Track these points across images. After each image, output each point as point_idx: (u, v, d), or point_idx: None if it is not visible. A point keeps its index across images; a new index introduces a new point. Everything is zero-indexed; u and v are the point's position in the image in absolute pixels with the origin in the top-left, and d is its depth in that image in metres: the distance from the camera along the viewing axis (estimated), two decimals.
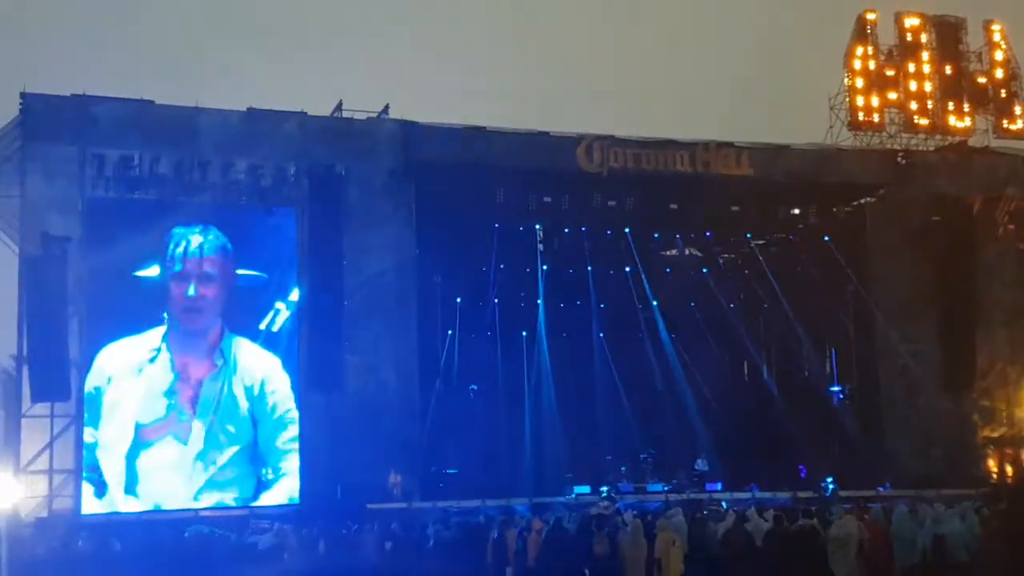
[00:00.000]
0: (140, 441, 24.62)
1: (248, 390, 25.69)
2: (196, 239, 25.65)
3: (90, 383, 24.54)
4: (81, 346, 24.49)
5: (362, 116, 27.94)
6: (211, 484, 24.98)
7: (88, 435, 24.31)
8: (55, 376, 23.63)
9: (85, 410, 24.34)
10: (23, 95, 24.99)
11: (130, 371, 24.91)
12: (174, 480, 24.73)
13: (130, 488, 24.42)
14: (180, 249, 25.52)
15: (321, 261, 26.00)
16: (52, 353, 23.67)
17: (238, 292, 25.98)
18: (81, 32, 49.65)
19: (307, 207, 26.29)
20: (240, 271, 25.99)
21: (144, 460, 24.59)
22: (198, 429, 25.07)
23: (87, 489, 24.15)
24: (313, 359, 25.75)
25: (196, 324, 25.65)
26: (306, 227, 26.26)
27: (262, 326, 26.14)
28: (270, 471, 25.57)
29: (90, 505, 24.08)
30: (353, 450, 25.63)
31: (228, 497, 25.05)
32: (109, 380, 24.70)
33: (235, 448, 25.33)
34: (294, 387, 26.02)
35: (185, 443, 24.90)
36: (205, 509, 24.14)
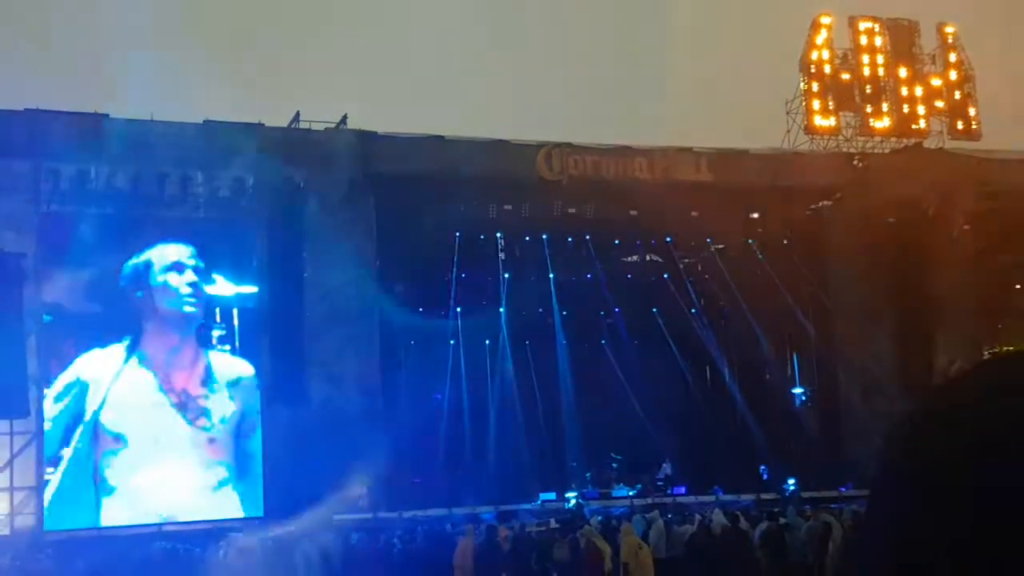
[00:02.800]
0: (135, 451, 24.60)
1: (231, 397, 25.78)
2: (184, 250, 25.66)
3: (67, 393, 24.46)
4: (40, 363, 24.25)
5: (320, 127, 27.88)
6: (219, 487, 25.25)
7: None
8: (14, 393, 23.41)
9: (66, 421, 24.26)
10: None
11: (109, 379, 24.81)
12: (180, 489, 24.79)
13: (130, 498, 24.39)
14: (169, 260, 25.52)
15: (282, 274, 25.91)
16: (10, 370, 23.43)
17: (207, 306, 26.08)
18: (34, 46, 49.20)
19: (266, 219, 26.18)
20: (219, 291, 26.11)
21: (145, 473, 24.55)
22: (195, 437, 25.15)
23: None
24: (275, 373, 25.66)
25: (182, 331, 25.63)
26: (266, 240, 26.15)
27: (215, 333, 26.11)
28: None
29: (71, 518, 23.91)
30: (317, 462, 25.51)
31: (233, 502, 25.22)
32: (87, 386, 24.59)
33: (227, 453, 25.46)
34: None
35: (183, 452, 24.97)
36: (169, 524, 23.95)
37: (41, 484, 23.98)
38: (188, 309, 25.49)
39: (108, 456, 24.48)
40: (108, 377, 24.80)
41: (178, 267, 25.51)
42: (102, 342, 25.08)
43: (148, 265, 25.41)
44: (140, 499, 24.33)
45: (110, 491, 24.38)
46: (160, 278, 25.38)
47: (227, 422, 25.58)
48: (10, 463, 23.86)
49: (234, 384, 25.85)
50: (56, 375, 24.67)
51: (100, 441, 24.50)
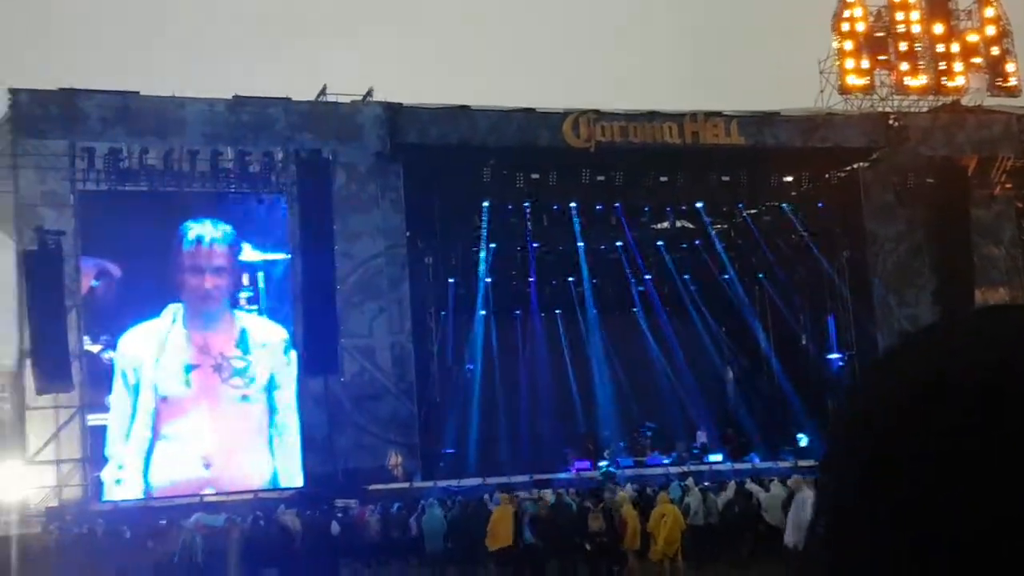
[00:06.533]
0: (179, 409, 25.33)
1: (262, 359, 26.26)
2: (208, 232, 26.21)
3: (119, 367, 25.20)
4: (81, 337, 24.72)
5: (346, 100, 27.99)
6: (253, 441, 25.92)
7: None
8: (57, 368, 23.93)
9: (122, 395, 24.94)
10: (11, 91, 25.17)
11: (154, 352, 25.49)
12: (219, 442, 25.42)
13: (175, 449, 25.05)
14: (192, 240, 26.15)
15: (313, 247, 26.09)
16: (53, 345, 23.91)
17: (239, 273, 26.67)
18: (66, 26, 49.70)
19: (296, 193, 26.38)
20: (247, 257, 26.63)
21: (188, 428, 25.19)
22: (231, 395, 25.74)
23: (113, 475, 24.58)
24: (309, 345, 25.89)
25: (211, 309, 26.34)
26: (296, 213, 26.35)
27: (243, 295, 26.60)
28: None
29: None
30: (351, 433, 25.85)
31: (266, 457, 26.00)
32: (139, 365, 25.28)
33: (260, 409, 26.07)
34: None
35: (220, 408, 25.60)
36: (209, 494, 24.36)
37: (86, 456, 24.49)
38: (207, 309, 26.15)
39: (155, 413, 25.12)
40: (153, 348, 25.41)
41: (194, 269, 26.16)
42: (143, 317, 25.54)
43: (188, 239, 26.04)
44: (184, 448, 25.05)
45: (160, 440, 25.10)
46: (182, 275, 26.06)
47: (256, 381, 26.13)
48: (55, 436, 24.38)
49: (264, 346, 26.31)
50: (99, 351, 25.12)
51: (148, 402, 25.15)
